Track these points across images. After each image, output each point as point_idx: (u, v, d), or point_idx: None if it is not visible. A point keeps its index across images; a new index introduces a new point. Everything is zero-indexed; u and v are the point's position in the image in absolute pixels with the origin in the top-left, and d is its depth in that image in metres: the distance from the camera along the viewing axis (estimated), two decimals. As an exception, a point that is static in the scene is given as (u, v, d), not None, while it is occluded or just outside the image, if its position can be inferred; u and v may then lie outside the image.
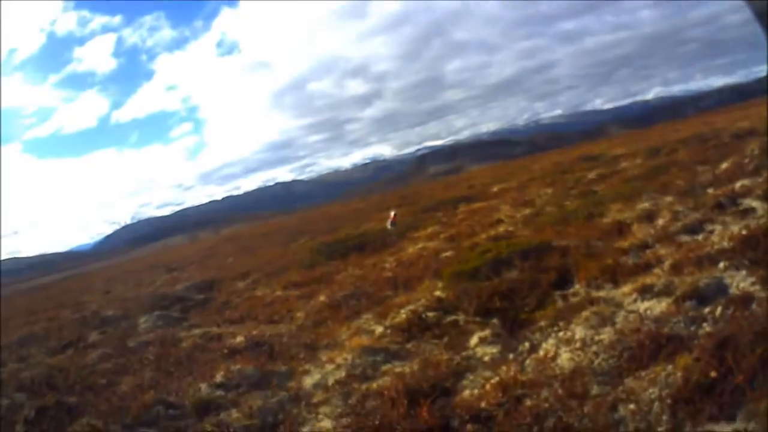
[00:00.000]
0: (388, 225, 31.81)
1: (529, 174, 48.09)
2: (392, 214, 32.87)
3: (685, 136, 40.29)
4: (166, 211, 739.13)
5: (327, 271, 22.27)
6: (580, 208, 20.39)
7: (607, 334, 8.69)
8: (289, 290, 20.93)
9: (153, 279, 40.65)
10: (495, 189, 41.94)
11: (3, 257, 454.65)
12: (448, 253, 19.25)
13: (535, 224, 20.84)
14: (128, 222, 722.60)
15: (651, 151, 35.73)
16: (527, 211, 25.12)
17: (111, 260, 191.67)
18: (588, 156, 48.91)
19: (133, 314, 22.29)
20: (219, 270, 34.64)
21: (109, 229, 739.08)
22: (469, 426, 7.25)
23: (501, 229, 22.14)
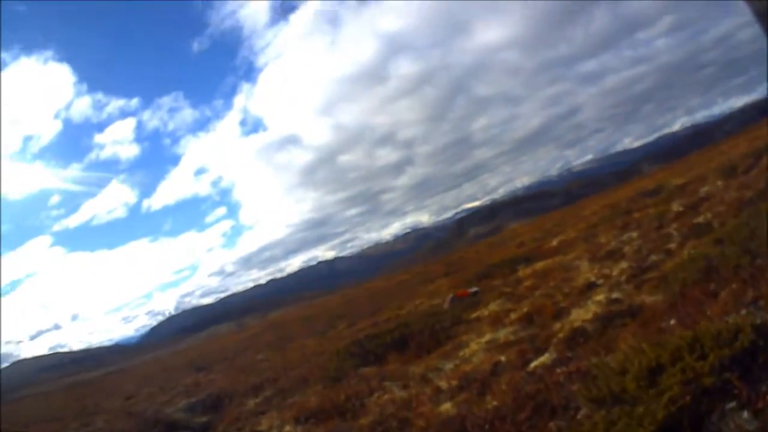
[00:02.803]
0: (446, 304, 26.33)
1: (584, 221, 43.64)
2: (473, 289, 27.35)
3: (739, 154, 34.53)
4: (210, 300, 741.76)
5: (356, 390, 15.56)
6: (726, 252, 13.27)
7: None
8: (300, 424, 15.08)
9: (176, 383, 37.33)
10: (554, 243, 37.21)
11: (48, 351, 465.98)
12: (545, 358, 12.14)
13: (665, 284, 13.83)
14: (172, 312, 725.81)
15: (724, 171, 29.55)
16: (623, 264, 18.72)
17: (154, 353, 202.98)
18: (647, 191, 43.15)
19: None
20: (239, 375, 30.52)
21: (154, 321, 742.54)
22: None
23: (600, 296, 15.69)
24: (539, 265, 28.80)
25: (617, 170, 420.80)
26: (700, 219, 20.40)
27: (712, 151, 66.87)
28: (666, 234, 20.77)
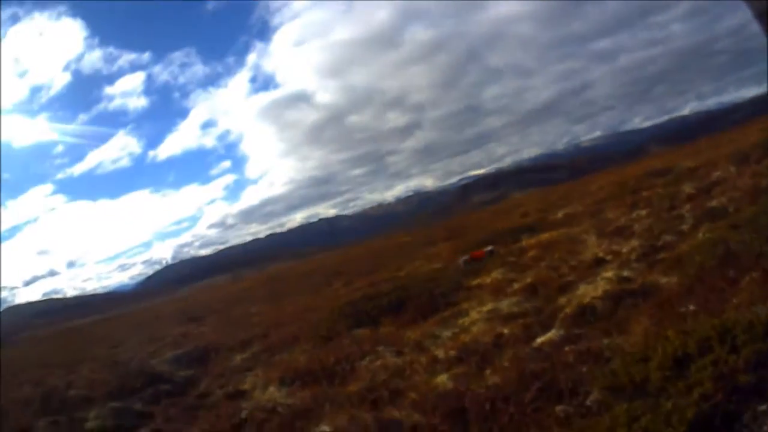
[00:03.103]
0: (461, 263, 25.91)
1: (590, 196, 42.86)
2: (486, 250, 26.55)
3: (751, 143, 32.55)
4: (209, 251, 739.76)
5: (347, 352, 14.83)
6: (746, 239, 12.49)
7: None
8: (285, 386, 14.34)
9: (166, 332, 37.32)
10: (559, 215, 36.52)
11: (41, 297, 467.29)
12: (552, 334, 11.44)
13: (679, 266, 13.27)
14: (170, 262, 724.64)
15: (737, 157, 28.29)
16: (634, 242, 17.98)
17: (149, 301, 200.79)
18: (656, 171, 42.00)
19: (95, 397, 17.89)
20: (230, 328, 30.35)
21: (150, 270, 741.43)
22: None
23: (609, 273, 14.86)
24: (544, 236, 28.00)
25: (624, 149, 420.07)
26: (714, 203, 19.81)
27: (721, 138, 65.44)
28: (678, 215, 20.21)
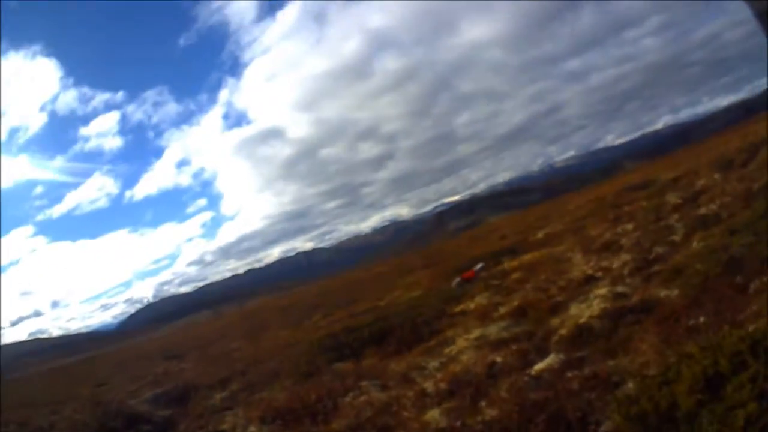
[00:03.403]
0: (454, 285, 25.42)
1: (569, 215, 42.82)
2: (476, 268, 26.41)
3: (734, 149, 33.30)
4: (189, 288, 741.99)
5: (329, 388, 13.85)
6: (749, 242, 11.76)
7: None
8: (266, 426, 13.38)
9: (147, 371, 36.40)
10: (539, 236, 36.07)
11: (28, 337, 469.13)
12: (550, 360, 10.34)
13: (679, 277, 12.47)
14: (151, 300, 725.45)
15: (720, 164, 28.60)
16: (624, 257, 17.07)
17: (131, 340, 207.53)
18: (635, 185, 42.51)
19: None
20: (209, 365, 29.53)
21: (132, 309, 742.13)
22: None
23: (603, 290, 14.00)
24: (526, 257, 27.44)
25: (599, 167, 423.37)
26: (703, 210, 19.22)
27: (697, 148, 66.82)
28: (667, 226, 19.53)
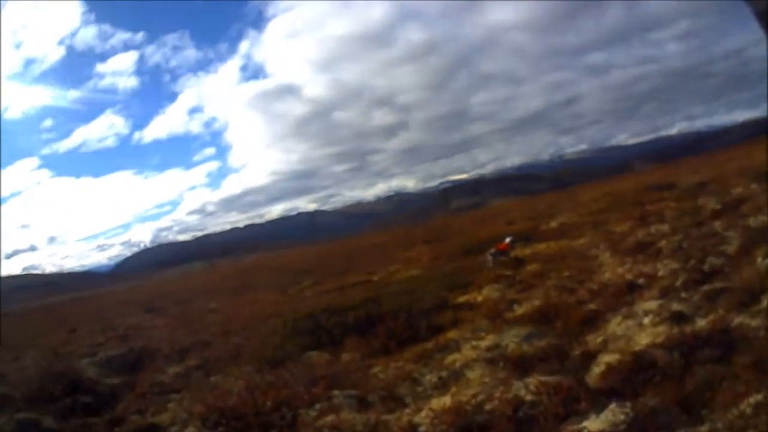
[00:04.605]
0: (490, 260, 22.86)
1: (583, 207, 40.97)
2: (507, 240, 23.88)
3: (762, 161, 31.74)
4: (188, 237, 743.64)
5: (292, 393, 10.78)
6: None
7: None
8: (207, 429, 10.47)
9: (122, 322, 35.76)
10: (553, 225, 34.04)
11: (21, 272, 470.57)
12: (607, 417, 6.90)
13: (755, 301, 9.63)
14: (148, 245, 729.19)
15: (754, 174, 25.71)
16: (671, 264, 13.99)
17: (122, 284, 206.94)
18: (656, 185, 40.58)
19: (13, 399, 15.67)
20: (182, 326, 27.77)
21: (128, 252, 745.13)
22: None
23: (652, 305, 11.02)
24: (540, 246, 25.49)
25: (608, 164, 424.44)
26: (752, 221, 16.32)
27: (713, 158, 66.16)
28: (712, 233, 16.59)
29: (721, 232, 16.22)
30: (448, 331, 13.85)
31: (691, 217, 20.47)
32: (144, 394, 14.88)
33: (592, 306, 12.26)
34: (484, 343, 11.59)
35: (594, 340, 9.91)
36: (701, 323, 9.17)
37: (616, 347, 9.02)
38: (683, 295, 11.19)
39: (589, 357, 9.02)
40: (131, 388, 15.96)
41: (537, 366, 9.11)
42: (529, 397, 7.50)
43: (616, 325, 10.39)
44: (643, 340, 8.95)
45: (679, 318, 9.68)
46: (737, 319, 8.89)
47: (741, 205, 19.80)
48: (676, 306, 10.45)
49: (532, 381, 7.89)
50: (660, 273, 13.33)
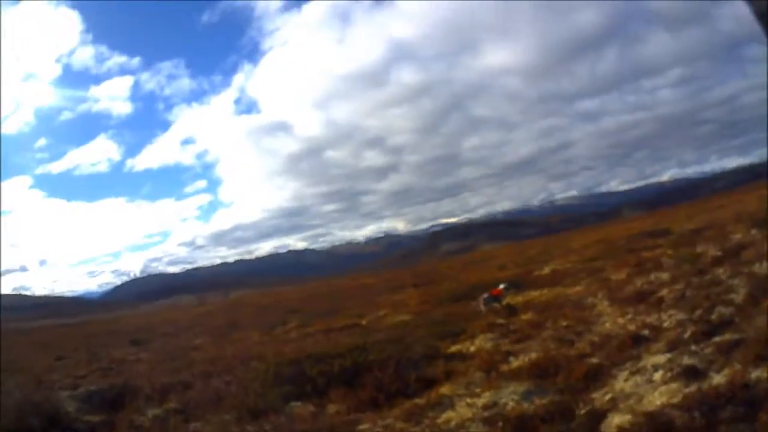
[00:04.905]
0: (482, 305, 22.57)
1: (575, 253, 41.09)
2: (501, 287, 23.36)
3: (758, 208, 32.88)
4: (177, 269, 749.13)
5: None
6: None
7: None
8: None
9: (107, 353, 35.91)
10: (545, 271, 33.52)
11: (11, 292, 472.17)
12: None
13: None
14: (138, 275, 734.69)
15: (752, 221, 25.47)
16: (677, 315, 13.21)
17: (111, 312, 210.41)
18: (650, 232, 41.15)
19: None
20: (166, 362, 27.30)
21: (118, 280, 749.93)
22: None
23: (660, 359, 10.32)
24: (533, 294, 24.97)
25: (599, 210, 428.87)
26: (757, 268, 15.76)
27: (707, 204, 66.79)
28: (715, 281, 15.93)
29: (726, 279, 15.60)
30: (440, 384, 12.86)
31: (691, 264, 19.83)
32: (123, 434, 14.28)
33: (594, 359, 11.46)
34: (480, 401, 10.63)
35: (601, 397, 9.10)
36: (718, 379, 8.40)
37: (626, 406, 8.26)
38: (693, 348, 10.37)
39: (597, 417, 8.24)
40: (110, 428, 15.34)
41: (539, 428, 8.34)
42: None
43: (623, 381, 9.58)
44: (656, 399, 8.18)
45: (692, 373, 8.90)
46: (755, 374, 8.16)
47: (742, 251, 19.30)
48: (687, 360, 9.65)
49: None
50: (665, 324, 12.60)
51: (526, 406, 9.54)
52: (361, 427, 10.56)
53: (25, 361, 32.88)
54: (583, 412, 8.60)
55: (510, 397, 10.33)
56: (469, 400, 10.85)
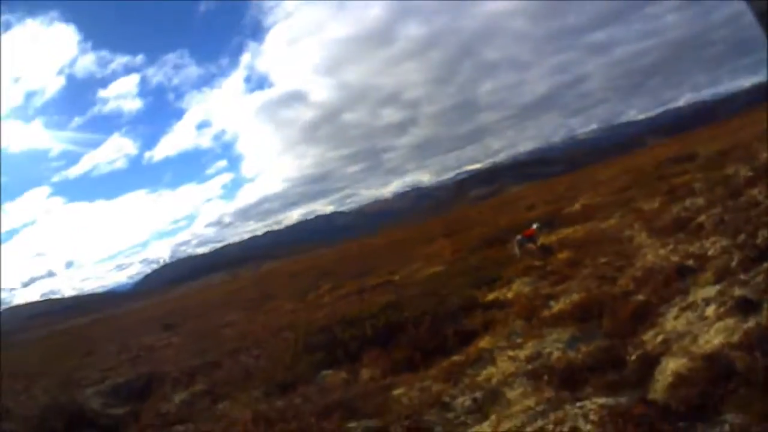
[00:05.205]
0: (516, 248, 21.94)
1: (604, 186, 40.00)
2: (534, 226, 22.57)
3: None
4: (206, 249, 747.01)
5: (301, 426, 9.27)
6: None
7: None
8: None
9: (136, 342, 35.38)
10: (576, 207, 32.28)
11: (40, 298, 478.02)
12: None
13: None
14: (167, 261, 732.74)
15: None
16: (720, 242, 12.26)
17: (142, 302, 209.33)
18: (675, 157, 39.72)
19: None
20: (196, 343, 27.11)
21: (148, 269, 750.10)
22: None
23: (710, 291, 9.42)
24: (566, 231, 24.19)
25: (621, 141, 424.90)
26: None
27: (727, 126, 65.46)
28: (752, 202, 14.76)
29: (763, 200, 14.75)
30: (479, 337, 12.26)
31: (723, 187, 18.70)
32: (147, 427, 13.78)
33: (640, 297, 10.67)
34: (522, 352, 9.97)
35: (652, 339, 8.36)
36: (776, 311, 7.67)
37: (680, 348, 7.48)
38: (743, 277, 9.58)
39: (650, 363, 7.51)
40: (135, 419, 14.88)
41: (589, 379, 7.64)
42: (590, 429, 6.01)
43: (673, 320, 8.81)
44: (713, 338, 7.41)
45: (746, 306, 8.11)
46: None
47: (780, 173, 18.14)
48: (738, 291, 8.82)
49: (590, 406, 6.37)
50: (710, 252, 11.74)
51: (572, 354, 8.89)
52: (396, 391, 9.90)
53: (54, 362, 33.23)
54: (633, 357, 7.90)
55: (554, 345, 9.73)
56: (510, 353, 10.22)
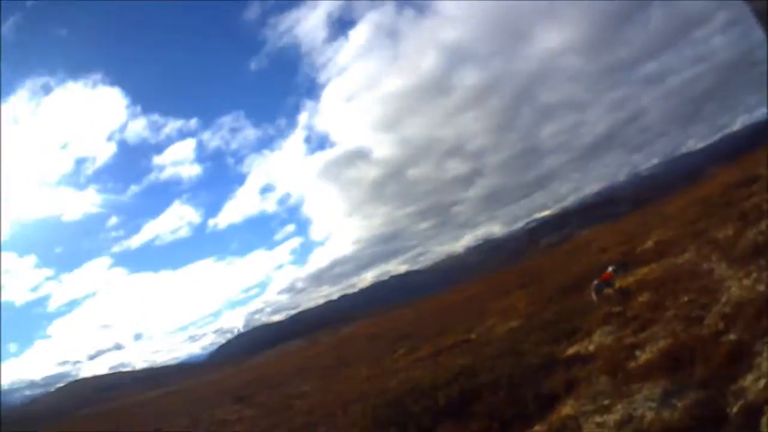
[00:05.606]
0: (593, 294, 21.04)
1: (674, 219, 37.99)
2: (610, 269, 21.71)
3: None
4: (281, 317, 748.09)
5: None
6: None
7: None
8: None
9: (209, 416, 37.41)
10: (649, 244, 31.40)
11: (108, 371, 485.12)
12: None
13: None
14: (242, 330, 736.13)
15: None
16: None
17: (216, 373, 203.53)
18: (737, 182, 36.76)
19: None
20: (267, 418, 27.45)
21: (222, 339, 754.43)
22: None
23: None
24: (643, 271, 23.14)
25: (684, 172, 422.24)
26: None
27: None
28: None
29: None
30: (562, 401, 11.38)
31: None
32: None
33: (732, 336, 9.89)
34: (611, 417, 9.15)
35: (752, 385, 7.61)
36: None
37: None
38: None
39: (754, 413, 6.81)
40: None
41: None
42: None
43: (770, 359, 8.05)
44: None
45: None
46: None
47: None
48: None
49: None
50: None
51: (666, 414, 8.10)
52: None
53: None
54: (735, 409, 7.15)
55: (645, 405, 8.88)
56: (598, 419, 9.39)
